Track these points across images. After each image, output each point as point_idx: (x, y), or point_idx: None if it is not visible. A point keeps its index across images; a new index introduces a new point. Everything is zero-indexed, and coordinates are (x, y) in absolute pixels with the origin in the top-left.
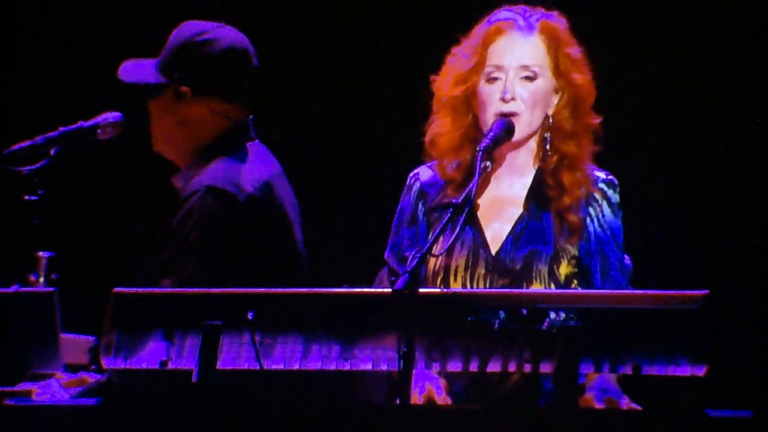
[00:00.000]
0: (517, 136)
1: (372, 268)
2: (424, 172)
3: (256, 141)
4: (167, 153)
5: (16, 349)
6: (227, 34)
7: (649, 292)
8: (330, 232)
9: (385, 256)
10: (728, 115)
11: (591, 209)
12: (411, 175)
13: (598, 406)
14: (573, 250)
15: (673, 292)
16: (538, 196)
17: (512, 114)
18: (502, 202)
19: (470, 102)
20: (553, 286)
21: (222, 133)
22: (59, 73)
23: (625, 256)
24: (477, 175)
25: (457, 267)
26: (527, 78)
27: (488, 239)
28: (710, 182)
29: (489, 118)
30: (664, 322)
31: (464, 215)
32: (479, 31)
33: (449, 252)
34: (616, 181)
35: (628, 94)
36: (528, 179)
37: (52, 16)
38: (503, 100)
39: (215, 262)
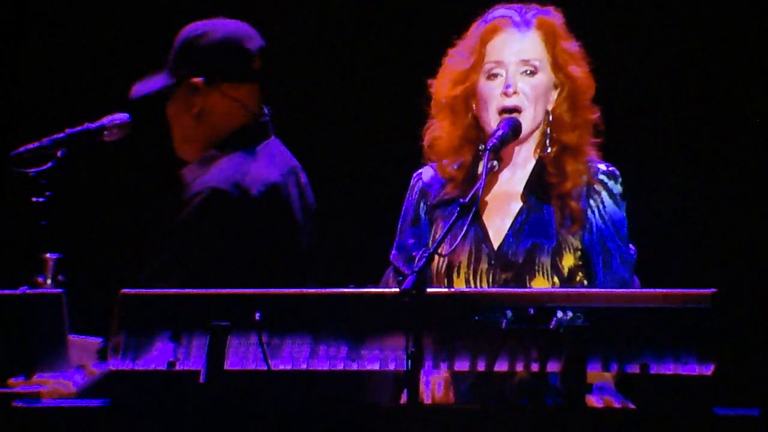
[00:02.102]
0: (522, 132)
1: (378, 268)
2: (426, 172)
3: (272, 138)
4: (187, 155)
5: (24, 351)
6: (223, 24)
7: (656, 290)
8: (336, 232)
9: (391, 258)
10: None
11: (591, 201)
12: (414, 175)
13: (597, 405)
14: (576, 242)
15: (681, 290)
16: (537, 186)
17: (515, 108)
18: (502, 196)
19: (469, 102)
20: (556, 279)
21: (238, 128)
22: (66, 74)
23: (630, 246)
24: (484, 175)
25: (460, 263)
26: (528, 73)
27: (490, 234)
28: (717, 178)
29: (491, 115)
30: (671, 321)
31: (471, 215)
32: (476, 30)
33: (453, 249)
34: (618, 172)
35: (628, 88)
36: (527, 171)
37: (58, 16)
38: (505, 94)
39: (215, 265)
